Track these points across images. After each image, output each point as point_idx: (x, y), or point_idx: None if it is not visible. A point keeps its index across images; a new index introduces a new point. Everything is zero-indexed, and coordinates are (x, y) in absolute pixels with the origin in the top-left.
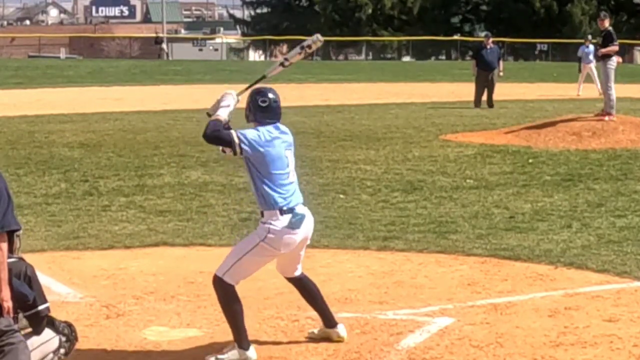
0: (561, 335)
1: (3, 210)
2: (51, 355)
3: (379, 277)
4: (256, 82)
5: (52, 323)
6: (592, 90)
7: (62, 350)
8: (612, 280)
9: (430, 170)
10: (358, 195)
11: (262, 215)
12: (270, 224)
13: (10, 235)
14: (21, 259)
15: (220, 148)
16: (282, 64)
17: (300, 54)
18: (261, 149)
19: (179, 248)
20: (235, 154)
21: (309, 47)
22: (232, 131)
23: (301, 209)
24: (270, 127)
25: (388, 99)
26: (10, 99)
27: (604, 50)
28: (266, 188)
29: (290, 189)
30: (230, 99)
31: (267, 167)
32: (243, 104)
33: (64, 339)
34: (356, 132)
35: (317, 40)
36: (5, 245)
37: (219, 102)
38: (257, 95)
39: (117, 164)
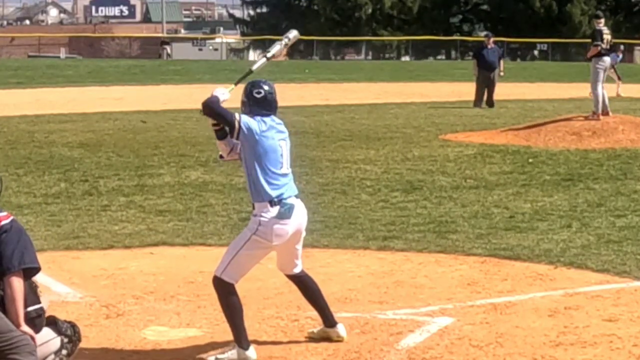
0: (561, 335)
1: (22, 248)
2: (52, 356)
3: (379, 277)
4: (244, 77)
5: (54, 323)
6: (612, 91)
7: (63, 352)
8: (612, 280)
9: (430, 170)
10: (358, 195)
11: (254, 207)
12: (261, 216)
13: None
14: None
15: (219, 154)
16: (267, 58)
17: (280, 46)
18: (256, 137)
19: (179, 248)
20: (232, 134)
21: (288, 38)
22: (234, 112)
23: (292, 201)
24: (266, 118)
25: (388, 99)
26: (10, 99)
27: (589, 54)
28: (258, 179)
29: (282, 181)
30: (221, 91)
31: (261, 157)
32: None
33: (66, 340)
34: (356, 132)
35: (296, 35)
36: (21, 282)
37: (214, 91)
38: (251, 87)
39: (117, 164)
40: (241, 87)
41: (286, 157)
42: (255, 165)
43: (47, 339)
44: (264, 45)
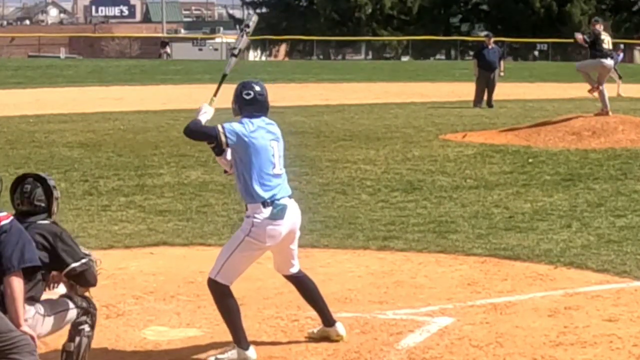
0: (561, 335)
1: (22, 247)
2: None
3: (379, 277)
4: (220, 83)
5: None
6: (612, 91)
7: (87, 328)
8: (612, 280)
9: (430, 170)
10: (358, 195)
11: (246, 209)
12: (254, 217)
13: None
14: (55, 222)
15: (223, 170)
16: (233, 55)
17: (243, 37)
18: (245, 139)
19: (179, 248)
20: (222, 145)
21: (247, 26)
22: (216, 125)
23: (285, 201)
24: (255, 119)
25: (388, 99)
26: (10, 99)
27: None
28: (250, 180)
29: (275, 182)
30: (205, 108)
31: (252, 158)
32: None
33: (80, 312)
34: (356, 132)
35: (253, 19)
36: (21, 282)
37: (197, 113)
38: (242, 89)
39: (117, 164)
40: (231, 89)
41: (278, 157)
42: (247, 167)
43: (65, 307)
44: (264, 46)
